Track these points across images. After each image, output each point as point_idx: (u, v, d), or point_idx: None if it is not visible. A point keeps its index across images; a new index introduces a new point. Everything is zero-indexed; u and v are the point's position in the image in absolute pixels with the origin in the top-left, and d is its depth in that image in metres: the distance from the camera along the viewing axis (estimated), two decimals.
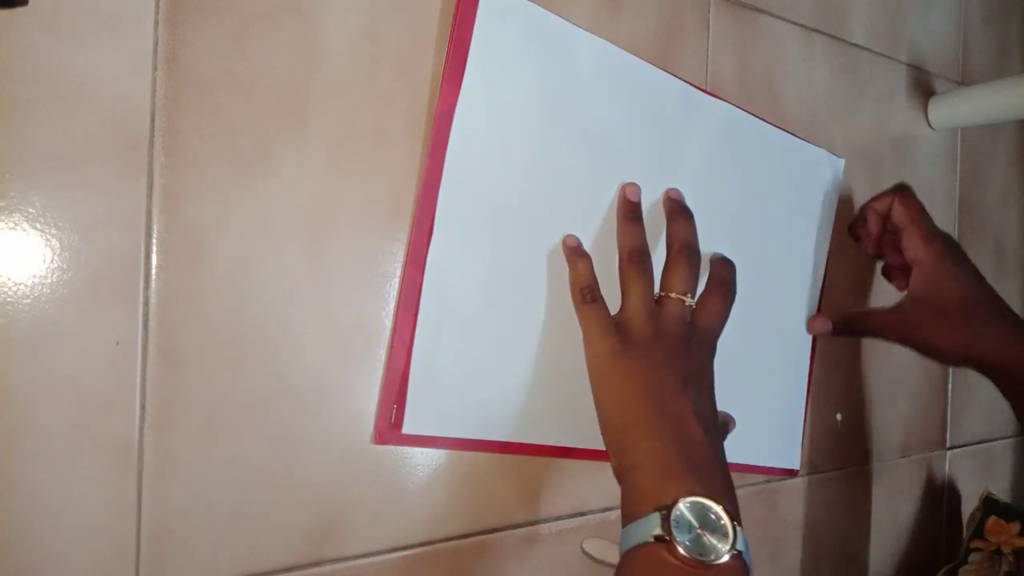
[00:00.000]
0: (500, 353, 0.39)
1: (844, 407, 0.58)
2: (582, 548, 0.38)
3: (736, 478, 0.51)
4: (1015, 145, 0.78)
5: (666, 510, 0.30)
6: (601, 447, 0.37)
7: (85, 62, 0.29)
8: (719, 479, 0.34)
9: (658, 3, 0.47)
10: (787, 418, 0.54)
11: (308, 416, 0.34)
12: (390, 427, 0.36)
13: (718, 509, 0.31)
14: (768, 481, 0.54)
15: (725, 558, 0.30)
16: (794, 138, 0.53)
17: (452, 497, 0.38)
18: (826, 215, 0.56)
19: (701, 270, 0.42)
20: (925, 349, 0.49)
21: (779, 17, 0.54)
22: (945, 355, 0.49)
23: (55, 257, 0.29)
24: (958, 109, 0.65)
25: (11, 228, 0.28)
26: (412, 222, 0.37)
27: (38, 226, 0.29)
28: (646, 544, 0.30)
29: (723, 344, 0.42)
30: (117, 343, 0.30)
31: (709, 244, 0.44)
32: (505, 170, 0.39)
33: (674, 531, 0.30)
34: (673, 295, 0.39)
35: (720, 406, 0.41)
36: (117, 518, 0.30)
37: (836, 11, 0.58)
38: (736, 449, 0.50)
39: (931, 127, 0.67)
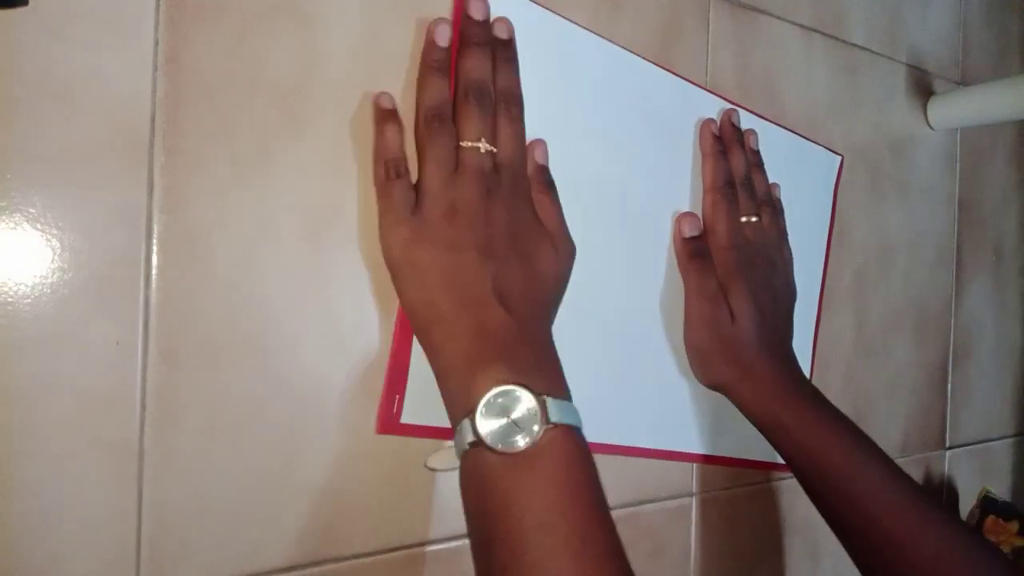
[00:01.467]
0: None
1: (844, 407, 0.58)
2: (426, 466, 0.37)
3: (738, 477, 0.52)
4: (1015, 145, 0.78)
5: (472, 413, 0.29)
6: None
7: (85, 62, 0.29)
8: (527, 356, 0.32)
9: (658, 3, 0.47)
10: None
11: (308, 416, 0.34)
12: (391, 417, 0.36)
13: (519, 390, 0.29)
14: (768, 481, 0.54)
15: (539, 436, 0.29)
16: (792, 135, 0.54)
17: (452, 497, 0.38)
18: (824, 211, 0.56)
19: None
20: (695, 356, 0.46)
21: (779, 17, 0.54)
22: (698, 377, 0.47)
23: (55, 257, 0.29)
24: (958, 109, 0.65)
25: (11, 228, 0.28)
26: None
27: (38, 226, 0.29)
28: (467, 451, 0.30)
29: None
30: (117, 343, 0.30)
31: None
32: None
33: (482, 433, 0.29)
34: (466, 144, 0.35)
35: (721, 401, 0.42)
36: (117, 518, 0.30)
37: (836, 11, 0.58)
38: (743, 446, 0.50)
39: (931, 127, 0.67)
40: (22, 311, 0.28)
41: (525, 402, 0.29)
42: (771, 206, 0.50)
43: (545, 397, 0.30)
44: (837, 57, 0.58)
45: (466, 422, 0.30)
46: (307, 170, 0.34)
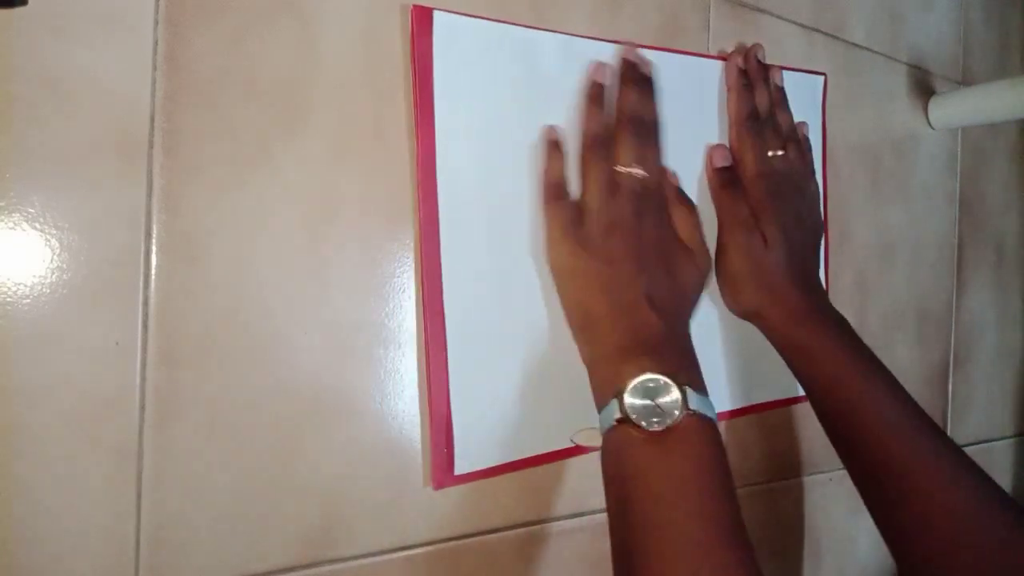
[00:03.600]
0: (530, 366, 0.40)
1: None
2: (571, 440, 0.41)
3: (738, 477, 0.51)
4: (1015, 145, 0.78)
5: (621, 393, 0.33)
6: None
7: (85, 62, 0.29)
8: (673, 354, 0.36)
9: (658, 3, 0.47)
10: None
11: (308, 416, 0.34)
12: (444, 472, 0.37)
13: (664, 378, 0.33)
14: (768, 481, 0.54)
15: (680, 419, 0.32)
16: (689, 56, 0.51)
17: (452, 497, 0.38)
18: (814, 137, 0.55)
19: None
20: (727, 284, 0.47)
21: (779, 17, 0.54)
22: (729, 306, 0.48)
23: (55, 257, 0.29)
24: (958, 109, 0.65)
25: (11, 228, 0.28)
26: (420, 272, 0.37)
27: (38, 226, 0.29)
28: (613, 427, 0.33)
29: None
30: (117, 343, 0.30)
31: (698, 192, 0.47)
32: (498, 190, 0.39)
33: (629, 411, 0.33)
34: (623, 169, 0.40)
35: (726, 352, 0.47)
36: (116, 518, 0.30)
37: (836, 10, 0.58)
38: (755, 391, 0.51)
39: (931, 127, 0.67)
40: (21, 311, 0.28)
41: (669, 390, 0.33)
42: (796, 141, 0.51)
43: (686, 387, 0.33)
44: (838, 56, 0.58)
45: (614, 401, 0.33)
46: (306, 170, 0.34)
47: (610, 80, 0.42)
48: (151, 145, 0.31)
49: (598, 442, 0.35)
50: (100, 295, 0.30)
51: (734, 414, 0.50)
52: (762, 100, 0.50)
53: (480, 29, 0.39)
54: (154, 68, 0.31)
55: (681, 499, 0.31)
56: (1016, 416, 0.79)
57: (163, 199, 0.31)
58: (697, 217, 0.43)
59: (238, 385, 0.32)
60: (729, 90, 0.49)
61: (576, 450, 0.42)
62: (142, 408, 0.30)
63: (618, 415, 0.33)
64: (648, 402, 0.33)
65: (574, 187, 0.41)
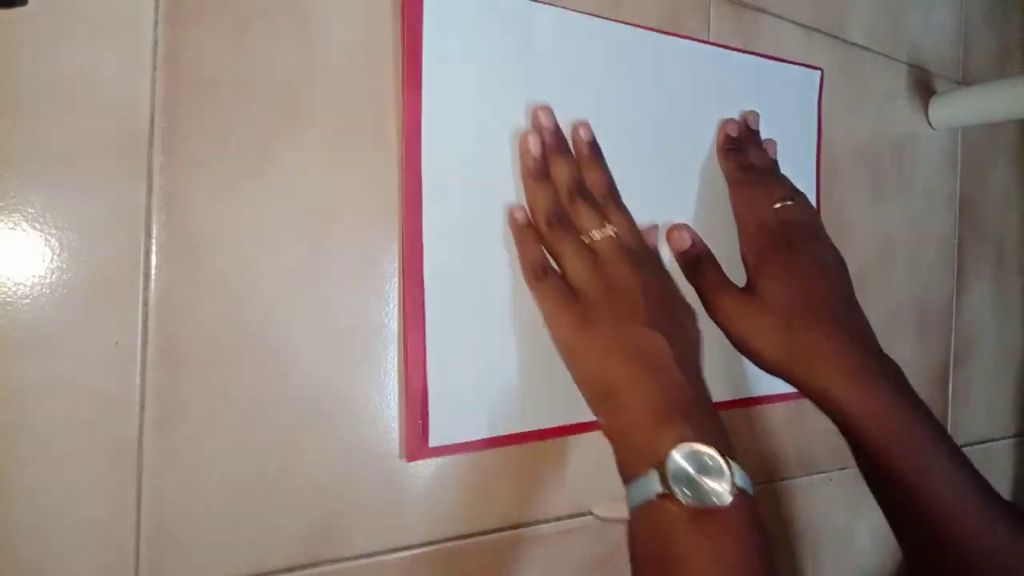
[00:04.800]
0: (509, 344, 0.39)
1: None
2: (592, 513, 0.39)
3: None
4: (1015, 145, 0.78)
5: (662, 464, 0.30)
6: None
7: (85, 62, 0.29)
8: (706, 418, 0.33)
9: (658, 2, 0.47)
10: None
11: (307, 416, 0.34)
12: (418, 443, 0.36)
13: (711, 451, 0.31)
14: (768, 481, 0.54)
15: (728, 498, 0.30)
16: (765, 59, 0.52)
17: (452, 497, 0.38)
18: (809, 131, 0.55)
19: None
20: (744, 348, 0.43)
21: (779, 16, 0.54)
22: (763, 363, 0.42)
23: (55, 257, 0.29)
24: (959, 109, 0.65)
25: (11, 228, 0.28)
26: (400, 240, 0.37)
27: (37, 226, 0.29)
28: (650, 501, 0.30)
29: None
30: (117, 343, 0.30)
31: (697, 185, 0.47)
32: (483, 164, 0.39)
33: (673, 485, 0.30)
34: (594, 235, 0.38)
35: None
36: (117, 518, 0.30)
37: (836, 10, 0.58)
38: (763, 384, 0.51)
39: (931, 127, 0.67)
40: (21, 311, 0.28)
41: (713, 462, 0.30)
42: (801, 195, 0.47)
43: (731, 462, 0.31)
44: (838, 56, 0.58)
45: (654, 472, 0.31)
46: (306, 170, 0.34)
47: (547, 146, 0.40)
48: (151, 145, 0.31)
49: (624, 514, 0.32)
50: (100, 295, 0.30)
51: (730, 405, 0.50)
52: (756, 158, 0.48)
53: (472, 0, 0.38)
54: (154, 68, 0.31)
55: None
56: (1016, 416, 0.79)
57: (163, 199, 0.31)
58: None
59: (238, 385, 0.32)
60: (720, 153, 0.48)
61: (562, 430, 0.41)
62: (142, 408, 0.30)
63: (659, 489, 0.30)
64: (692, 474, 0.30)
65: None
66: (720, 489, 0.30)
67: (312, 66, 0.34)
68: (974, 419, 0.73)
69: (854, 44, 0.60)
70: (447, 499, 0.38)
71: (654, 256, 0.40)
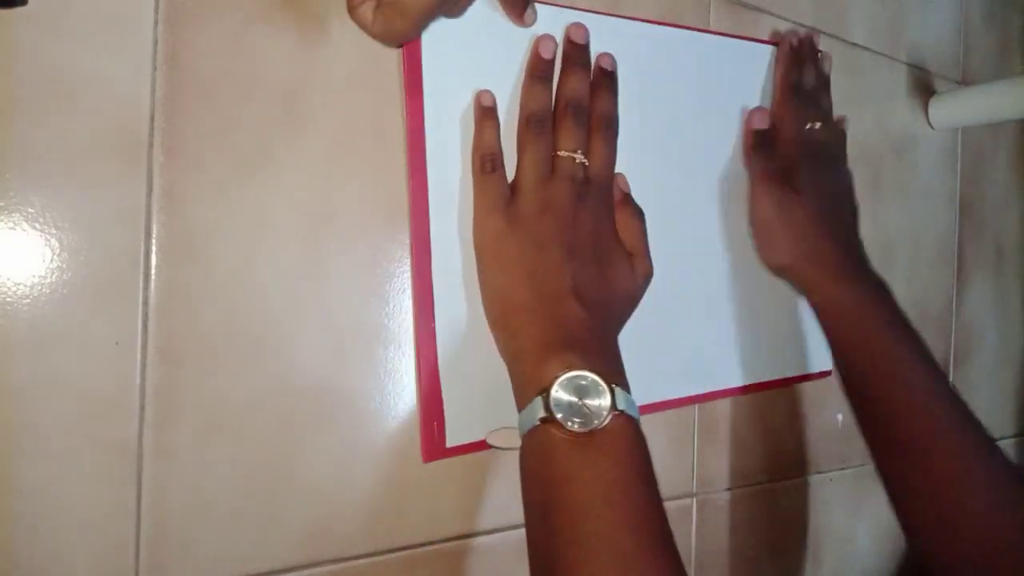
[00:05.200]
0: None
1: (845, 407, 0.58)
2: (486, 442, 0.38)
3: (738, 477, 0.51)
4: (1015, 145, 0.78)
5: (545, 391, 0.31)
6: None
7: (85, 62, 0.29)
8: (597, 349, 0.34)
9: (658, 2, 0.47)
10: (807, 324, 0.53)
11: (308, 416, 0.34)
12: (435, 444, 0.37)
13: (594, 376, 0.31)
14: (768, 481, 0.54)
15: (607, 420, 0.31)
16: (725, 38, 0.51)
17: (452, 497, 0.38)
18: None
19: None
20: (766, 235, 0.47)
21: (779, 16, 0.54)
22: (765, 260, 0.48)
23: (55, 257, 0.29)
24: (958, 109, 0.65)
25: (11, 228, 0.28)
26: (410, 244, 0.37)
27: (37, 226, 0.29)
28: (536, 427, 0.32)
29: (720, 263, 0.46)
30: (117, 343, 0.30)
31: (702, 170, 0.48)
32: None
33: (554, 409, 0.31)
34: (563, 153, 0.38)
35: (730, 325, 0.48)
36: (116, 518, 0.30)
37: (836, 10, 0.58)
38: (766, 367, 0.52)
39: (931, 127, 0.67)
40: (21, 311, 0.28)
41: (596, 388, 0.31)
42: (835, 123, 0.52)
43: (614, 386, 0.32)
44: (838, 56, 0.58)
45: (538, 399, 0.32)
46: (306, 169, 0.34)
47: (567, 56, 0.40)
48: (151, 145, 0.31)
49: (516, 443, 0.33)
50: (100, 295, 0.30)
51: (746, 390, 0.51)
52: (808, 76, 0.51)
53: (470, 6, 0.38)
54: (154, 68, 0.31)
55: (608, 508, 0.29)
56: (1016, 416, 0.79)
57: (163, 199, 0.31)
58: (643, 225, 0.41)
59: (238, 385, 0.32)
60: (779, 61, 0.51)
61: None
62: (142, 407, 0.30)
63: (542, 414, 0.31)
64: (575, 400, 0.31)
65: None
66: (601, 412, 0.31)
67: (312, 66, 0.34)
68: None
69: (854, 44, 0.60)
70: (447, 498, 0.38)
71: (608, 198, 0.40)
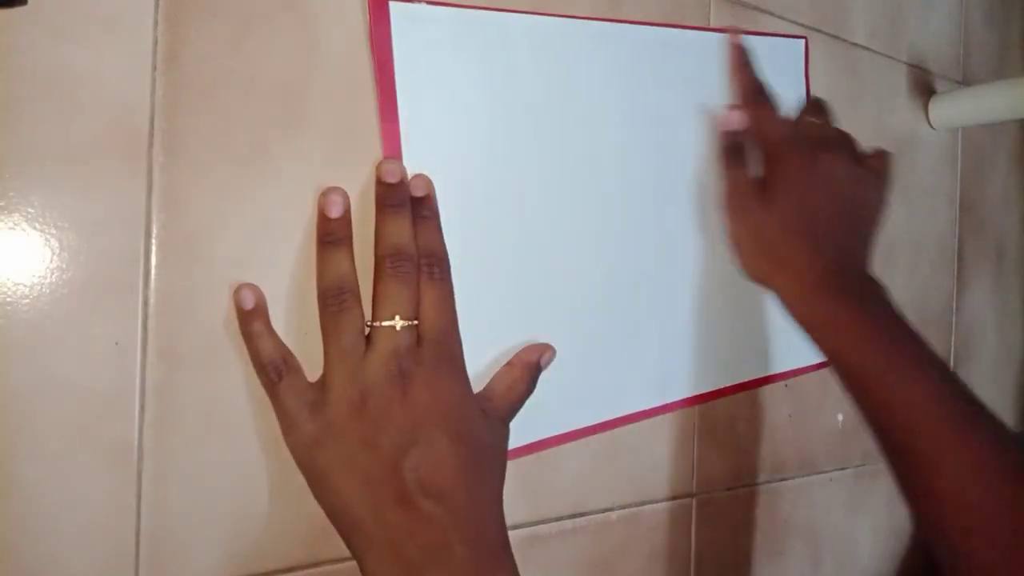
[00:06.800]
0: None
1: (845, 407, 0.58)
2: None
3: (738, 477, 0.51)
4: (1015, 145, 0.78)
5: None
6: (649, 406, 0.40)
7: (85, 62, 0.29)
8: (462, 559, 0.29)
9: (658, 2, 0.47)
10: None
11: None
12: None
13: None
14: (769, 481, 0.54)
15: None
16: (746, 35, 0.51)
17: None
18: (799, 102, 0.55)
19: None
20: (736, 248, 0.44)
21: (779, 16, 0.54)
22: (744, 274, 0.44)
23: (54, 257, 0.29)
24: (959, 109, 0.65)
25: (10, 228, 0.28)
26: None
27: (37, 226, 0.29)
28: None
29: (718, 261, 0.44)
30: (117, 343, 0.30)
31: (687, 172, 0.46)
32: (467, 181, 0.38)
33: None
34: (382, 324, 0.32)
35: (719, 324, 0.45)
36: (116, 518, 0.30)
37: (836, 10, 0.58)
38: (762, 364, 0.52)
39: (932, 127, 0.67)
40: (21, 311, 0.28)
41: None
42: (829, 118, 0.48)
43: None
44: (838, 56, 0.58)
45: None
46: (307, 169, 0.34)
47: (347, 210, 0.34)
48: (151, 145, 0.31)
49: None
50: (100, 295, 0.30)
51: (722, 393, 0.50)
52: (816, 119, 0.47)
53: (442, 17, 0.37)
54: (154, 68, 0.31)
55: None
56: (1016, 416, 0.79)
57: (163, 199, 0.31)
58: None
59: (238, 385, 0.32)
60: (733, 66, 0.48)
61: (595, 428, 0.42)
62: (142, 408, 0.30)
63: None
64: None
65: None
66: None
67: (312, 66, 0.34)
68: None
69: (854, 44, 0.60)
70: None
71: (448, 349, 0.33)
